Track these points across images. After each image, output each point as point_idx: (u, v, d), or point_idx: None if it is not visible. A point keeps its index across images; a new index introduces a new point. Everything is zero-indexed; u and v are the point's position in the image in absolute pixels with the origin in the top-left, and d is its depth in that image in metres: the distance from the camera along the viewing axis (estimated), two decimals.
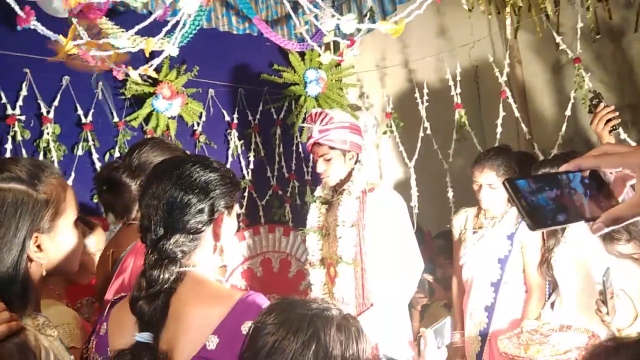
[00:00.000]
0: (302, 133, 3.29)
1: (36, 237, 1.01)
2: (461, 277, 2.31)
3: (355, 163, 2.18)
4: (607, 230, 0.61)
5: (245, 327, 0.97)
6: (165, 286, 1.01)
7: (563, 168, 0.63)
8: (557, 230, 2.05)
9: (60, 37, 1.75)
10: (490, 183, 2.17)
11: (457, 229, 2.39)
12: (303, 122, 2.25)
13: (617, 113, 2.10)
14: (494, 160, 2.19)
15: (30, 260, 1.01)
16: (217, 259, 1.14)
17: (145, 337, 0.98)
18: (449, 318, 1.54)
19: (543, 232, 2.11)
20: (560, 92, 2.99)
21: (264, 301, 1.04)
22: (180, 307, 1.02)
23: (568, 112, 2.75)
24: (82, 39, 1.84)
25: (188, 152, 1.75)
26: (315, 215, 2.28)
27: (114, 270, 1.44)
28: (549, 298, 2.13)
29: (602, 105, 2.12)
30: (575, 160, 0.63)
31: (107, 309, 1.13)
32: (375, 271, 2.09)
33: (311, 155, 2.37)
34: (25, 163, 1.05)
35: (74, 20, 1.80)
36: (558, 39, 2.77)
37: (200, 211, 1.06)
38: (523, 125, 2.97)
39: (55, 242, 1.05)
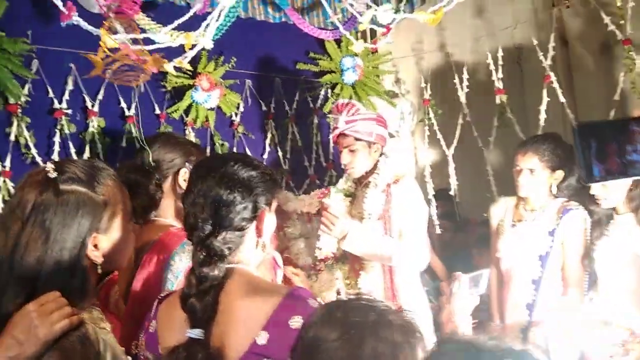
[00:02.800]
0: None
1: (94, 236, 1.06)
2: (500, 268, 2.27)
3: (380, 155, 2.16)
4: None
5: (293, 321, 0.99)
6: (215, 283, 1.04)
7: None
8: (602, 221, 1.98)
9: (102, 31, 1.79)
10: (531, 167, 2.11)
11: (495, 219, 2.33)
12: (329, 112, 2.24)
13: None
14: (539, 144, 2.13)
15: (88, 258, 1.06)
16: (260, 254, 1.17)
17: (197, 333, 1.01)
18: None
19: (587, 228, 2.03)
20: (609, 75, 2.85)
21: (309, 295, 1.06)
22: (229, 303, 1.04)
23: (617, 97, 2.62)
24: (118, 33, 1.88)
25: (197, 144, 1.78)
26: (338, 207, 2.26)
27: (137, 265, 1.48)
28: (587, 293, 2.06)
29: None
30: None
31: (154, 306, 1.17)
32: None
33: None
34: (82, 164, 1.10)
35: (111, 16, 1.83)
36: (607, 19, 2.64)
37: (245, 208, 1.08)
38: (569, 111, 2.85)
39: (111, 242, 1.10)
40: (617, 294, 1.93)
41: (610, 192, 1.88)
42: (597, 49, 2.98)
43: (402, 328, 0.84)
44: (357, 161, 2.14)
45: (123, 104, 2.80)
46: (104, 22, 1.77)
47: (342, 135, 2.13)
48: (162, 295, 1.20)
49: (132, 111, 2.82)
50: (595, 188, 1.89)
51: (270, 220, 1.16)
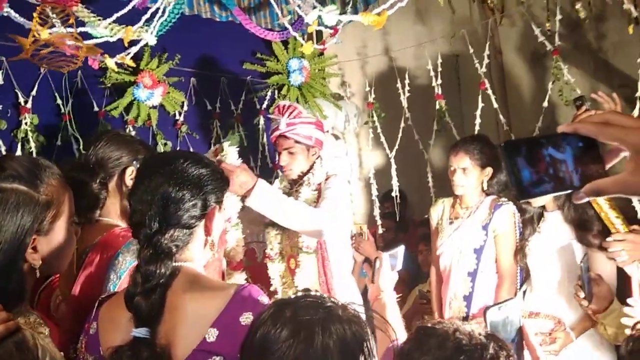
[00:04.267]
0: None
1: (34, 238, 1.01)
2: (439, 266, 2.37)
3: (317, 159, 2.21)
4: (587, 199, 0.61)
5: (244, 318, 0.99)
6: (162, 281, 1.02)
7: (561, 129, 0.61)
8: (533, 219, 2.12)
9: (35, 24, 1.71)
10: (464, 167, 2.23)
11: (434, 219, 2.44)
12: (271, 113, 2.25)
13: None
14: (469, 144, 2.25)
15: (25, 260, 1.01)
16: (208, 253, 1.16)
17: (142, 332, 0.99)
18: (403, 246, 1.65)
19: (516, 221, 2.17)
20: (539, 83, 3.05)
21: (259, 293, 1.06)
22: (176, 301, 1.03)
23: (545, 104, 2.80)
24: (54, 26, 1.80)
25: (145, 142, 1.71)
26: None
27: (79, 266, 1.44)
28: (520, 287, 2.20)
29: (584, 108, 2.19)
30: (575, 124, 0.60)
31: (95, 307, 1.13)
32: (335, 260, 2.12)
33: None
34: (25, 161, 1.04)
35: (47, 8, 1.76)
36: (537, 31, 2.82)
37: (194, 206, 1.07)
38: (501, 117, 3.02)
39: (51, 244, 1.05)
40: (546, 286, 2.07)
41: None
42: (529, 58, 3.19)
43: (351, 323, 0.86)
44: (295, 163, 2.17)
45: (59, 101, 2.68)
46: (36, 8, 1.69)
47: (283, 137, 2.15)
48: (103, 296, 1.16)
49: (69, 108, 2.71)
50: None
51: (219, 219, 1.15)
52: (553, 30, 2.77)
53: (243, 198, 1.93)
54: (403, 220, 3.40)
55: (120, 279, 1.36)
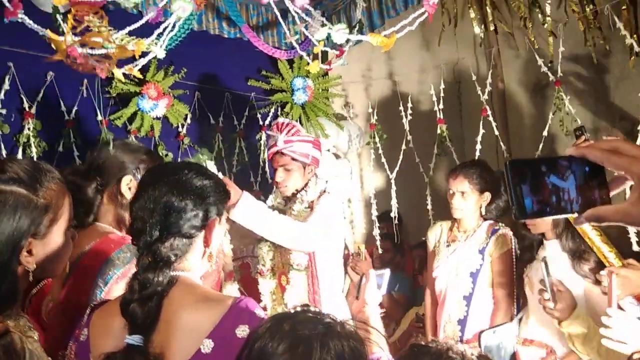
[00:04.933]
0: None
1: (30, 242, 1.01)
2: (434, 289, 2.36)
3: (312, 177, 2.22)
4: (586, 224, 0.60)
5: (240, 330, 0.99)
6: (159, 289, 1.02)
7: (568, 152, 0.60)
8: (533, 246, 2.12)
9: (48, 32, 1.73)
10: (462, 191, 2.24)
11: (431, 241, 2.44)
12: (269, 129, 2.26)
13: None
14: (468, 169, 2.27)
15: (20, 263, 1.00)
16: (206, 265, 1.16)
17: (136, 339, 0.98)
18: (389, 270, 1.68)
19: (513, 247, 2.17)
20: (540, 112, 3.08)
21: (255, 305, 1.05)
22: (172, 310, 1.02)
23: (545, 133, 2.83)
24: (88, 28, 1.81)
25: (153, 153, 1.70)
26: None
27: (71, 271, 1.43)
28: (517, 314, 2.18)
29: (583, 138, 2.21)
30: (583, 148, 0.59)
31: (87, 314, 1.12)
32: (326, 278, 2.12)
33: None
34: (26, 165, 1.04)
35: (69, 16, 1.77)
36: (540, 61, 2.86)
37: (195, 216, 1.08)
38: (502, 143, 3.04)
39: (47, 248, 1.04)
40: (541, 314, 2.05)
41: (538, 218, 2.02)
42: (531, 87, 3.22)
43: (349, 339, 0.85)
44: (291, 180, 2.18)
45: (63, 107, 2.69)
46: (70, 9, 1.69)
47: (280, 153, 2.16)
48: (95, 303, 1.16)
49: (73, 115, 2.72)
50: None
51: (219, 231, 1.15)
52: (556, 61, 2.81)
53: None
54: (401, 241, 3.40)
55: (107, 286, 1.34)
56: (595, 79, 2.92)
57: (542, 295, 1.73)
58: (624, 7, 2.44)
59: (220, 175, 1.96)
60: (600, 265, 1.89)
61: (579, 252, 1.94)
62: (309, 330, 0.84)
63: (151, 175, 1.14)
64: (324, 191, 2.22)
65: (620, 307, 1.59)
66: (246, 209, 1.91)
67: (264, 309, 2.21)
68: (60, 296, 1.39)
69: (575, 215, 0.61)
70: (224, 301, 1.04)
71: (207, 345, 0.99)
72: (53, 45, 1.63)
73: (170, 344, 1.00)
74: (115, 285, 1.35)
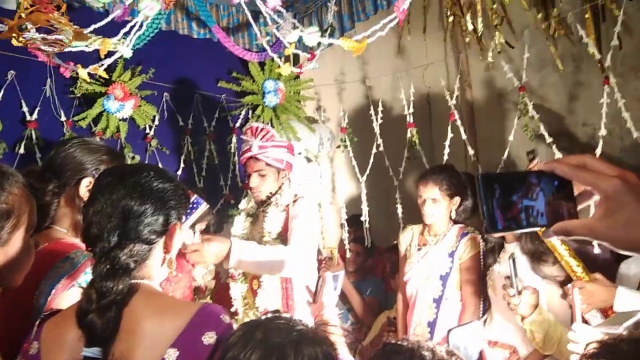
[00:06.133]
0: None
1: None
2: (405, 292, 2.38)
3: (285, 180, 2.22)
4: (554, 237, 0.62)
5: (207, 337, 0.95)
6: (119, 297, 0.97)
7: (538, 167, 0.62)
8: (495, 249, 2.16)
9: (23, 5, 1.65)
10: (433, 197, 2.27)
11: (403, 245, 2.46)
12: (244, 134, 2.26)
13: None
14: (437, 175, 2.30)
15: None
16: (165, 272, 1.12)
17: (94, 352, 0.93)
18: (343, 272, 1.77)
19: (481, 250, 2.21)
20: (506, 117, 3.15)
21: (221, 312, 1.02)
22: (133, 319, 0.98)
23: (511, 138, 2.90)
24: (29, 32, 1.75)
25: (115, 152, 1.61)
26: (240, 227, 2.28)
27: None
28: (483, 315, 2.22)
29: (535, 161, 2.28)
30: (552, 163, 0.62)
31: (36, 326, 1.05)
32: (298, 281, 2.12)
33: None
34: None
35: (23, 15, 1.71)
36: (505, 67, 2.93)
37: (156, 221, 1.03)
38: (469, 148, 3.10)
39: (7, 255, 0.99)
40: (504, 316, 2.10)
41: None
42: (497, 93, 3.30)
43: (322, 345, 0.85)
44: (265, 185, 2.17)
45: (25, 108, 2.60)
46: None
47: (254, 158, 2.15)
48: (45, 314, 1.09)
49: (35, 116, 2.63)
50: None
51: (179, 236, 1.11)
52: (521, 67, 2.88)
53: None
54: (372, 245, 3.41)
55: (51, 294, 1.26)
56: (558, 85, 3.01)
57: (506, 291, 1.77)
58: (587, 16, 2.52)
59: (196, 236, 1.95)
60: (560, 267, 1.95)
61: (538, 253, 1.99)
62: (282, 338, 0.83)
63: (107, 177, 1.07)
64: (297, 195, 2.21)
65: (585, 321, 1.63)
66: (240, 255, 1.90)
67: (235, 313, 2.18)
68: (0, 304, 1.29)
69: (544, 229, 0.62)
70: (188, 308, 1.01)
71: (172, 355, 0.95)
72: (4, 25, 1.56)
73: (132, 355, 0.95)
74: (61, 292, 1.27)
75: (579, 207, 0.63)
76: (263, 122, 3.43)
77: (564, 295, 1.95)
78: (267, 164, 2.15)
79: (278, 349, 0.82)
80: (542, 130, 2.78)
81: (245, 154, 2.17)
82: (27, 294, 1.28)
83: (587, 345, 0.67)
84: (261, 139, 2.14)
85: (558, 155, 2.68)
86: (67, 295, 1.26)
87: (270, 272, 2.04)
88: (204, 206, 2.13)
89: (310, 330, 0.87)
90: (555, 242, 1.87)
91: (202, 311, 0.99)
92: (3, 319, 1.29)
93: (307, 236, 2.08)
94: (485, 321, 2.16)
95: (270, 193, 2.19)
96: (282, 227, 2.12)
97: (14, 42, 1.69)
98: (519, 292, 1.72)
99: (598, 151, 2.57)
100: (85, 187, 1.43)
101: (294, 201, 2.17)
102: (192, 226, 2.04)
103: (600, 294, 1.72)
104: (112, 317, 0.96)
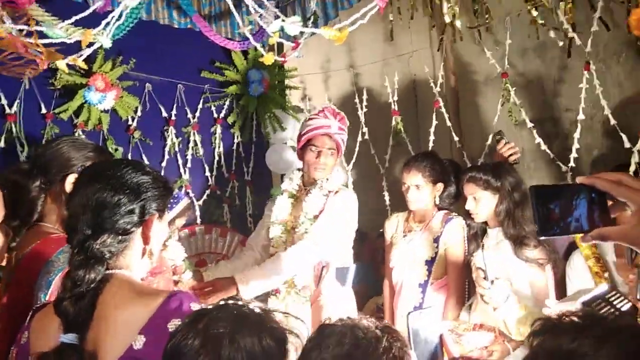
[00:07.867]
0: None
1: None
2: (391, 278, 2.40)
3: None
4: (592, 242, 0.75)
5: (172, 325, 0.97)
6: (92, 286, 1.01)
7: (580, 180, 0.74)
8: (478, 234, 2.19)
9: None
10: (417, 184, 2.29)
11: (388, 233, 2.48)
12: (317, 113, 2.32)
13: (517, 148, 2.33)
14: (420, 162, 2.32)
15: None
16: (147, 263, 1.13)
17: (70, 338, 0.97)
18: (355, 266, 1.73)
19: (465, 235, 2.24)
20: (490, 103, 3.18)
21: (191, 300, 1.04)
22: (106, 307, 1.01)
23: (494, 123, 2.92)
24: (4, 23, 1.71)
25: (102, 149, 1.63)
26: (283, 208, 2.34)
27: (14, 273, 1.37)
28: (468, 299, 2.26)
29: (502, 142, 2.33)
30: (593, 178, 0.73)
31: (29, 317, 1.10)
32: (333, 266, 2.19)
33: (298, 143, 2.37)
34: None
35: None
36: (488, 54, 2.95)
37: (130, 212, 1.05)
38: (454, 134, 3.12)
39: None
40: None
41: (480, 207, 2.10)
42: (481, 80, 3.32)
43: (265, 336, 0.86)
44: (329, 164, 2.25)
45: (4, 101, 2.55)
46: None
47: (330, 136, 2.22)
48: (37, 305, 1.13)
49: (15, 109, 2.58)
50: (468, 203, 2.11)
51: (160, 228, 1.13)
52: (504, 54, 2.90)
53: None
54: (361, 232, 3.43)
55: (49, 288, 1.29)
56: (541, 71, 3.04)
57: (480, 283, 1.81)
58: (569, 4, 2.53)
59: (182, 251, 1.98)
60: (542, 250, 1.99)
61: (520, 237, 2.02)
62: (219, 328, 0.85)
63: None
64: (340, 188, 2.29)
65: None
66: (248, 284, 1.99)
67: (277, 291, 2.23)
68: (3, 300, 1.33)
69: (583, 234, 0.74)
70: (157, 296, 1.02)
71: (139, 341, 0.97)
72: None
73: (103, 340, 0.99)
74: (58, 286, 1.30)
75: (613, 216, 0.74)
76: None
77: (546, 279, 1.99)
78: (337, 145, 2.24)
79: (214, 338, 0.84)
80: (524, 115, 2.81)
81: (321, 129, 2.23)
82: (27, 291, 1.31)
83: (535, 322, 0.72)
84: (339, 120, 2.25)
85: (538, 140, 2.73)
86: None
87: (289, 275, 2.11)
88: (184, 201, 2.15)
89: (259, 319, 0.88)
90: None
91: (171, 299, 1.01)
92: (5, 315, 1.33)
93: (329, 230, 2.16)
94: (470, 305, 2.19)
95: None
96: (320, 211, 2.21)
97: None
98: (492, 282, 1.76)
99: (577, 135, 2.61)
100: (70, 184, 1.44)
101: (336, 192, 2.25)
102: (172, 221, 2.04)
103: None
104: (85, 305, 1.00)
